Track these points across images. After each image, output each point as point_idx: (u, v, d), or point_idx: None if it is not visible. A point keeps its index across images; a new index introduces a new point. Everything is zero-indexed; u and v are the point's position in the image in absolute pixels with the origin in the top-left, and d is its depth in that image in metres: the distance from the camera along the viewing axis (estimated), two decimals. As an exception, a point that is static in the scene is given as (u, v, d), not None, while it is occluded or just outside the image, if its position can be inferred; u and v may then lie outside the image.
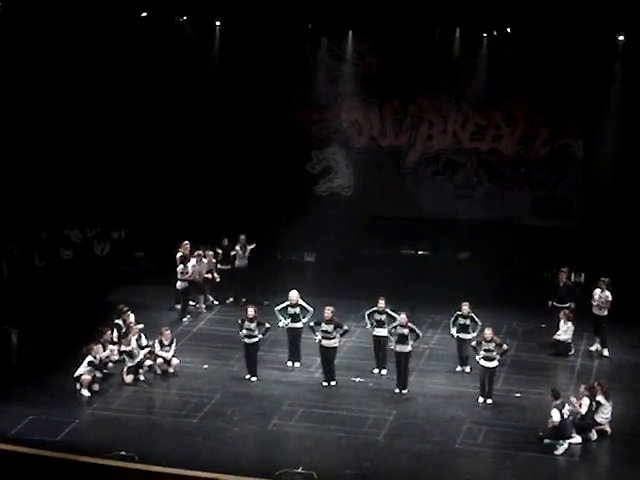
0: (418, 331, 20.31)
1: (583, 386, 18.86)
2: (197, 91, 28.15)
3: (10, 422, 18.28)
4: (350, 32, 27.89)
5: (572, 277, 25.15)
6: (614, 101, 26.49)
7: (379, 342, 21.09)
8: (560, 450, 17.86)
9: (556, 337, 22.20)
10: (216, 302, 25.10)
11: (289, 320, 21.29)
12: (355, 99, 28.75)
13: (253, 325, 20.56)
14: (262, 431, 18.53)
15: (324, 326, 20.46)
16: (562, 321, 22.16)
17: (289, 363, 21.42)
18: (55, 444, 17.32)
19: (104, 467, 15.68)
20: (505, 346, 19.91)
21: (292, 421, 18.91)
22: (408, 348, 20.13)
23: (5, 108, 26.21)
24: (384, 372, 20.97)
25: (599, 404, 18.50)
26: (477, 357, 19.81)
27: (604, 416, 18.52)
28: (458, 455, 17.87)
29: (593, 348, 22.37)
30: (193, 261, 24.31)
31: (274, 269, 26.85)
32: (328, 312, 20.56)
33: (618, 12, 24.41)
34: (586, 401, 18.46)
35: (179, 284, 24.03)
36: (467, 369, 20.98)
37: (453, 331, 21.05)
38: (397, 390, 20.19)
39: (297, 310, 21.34)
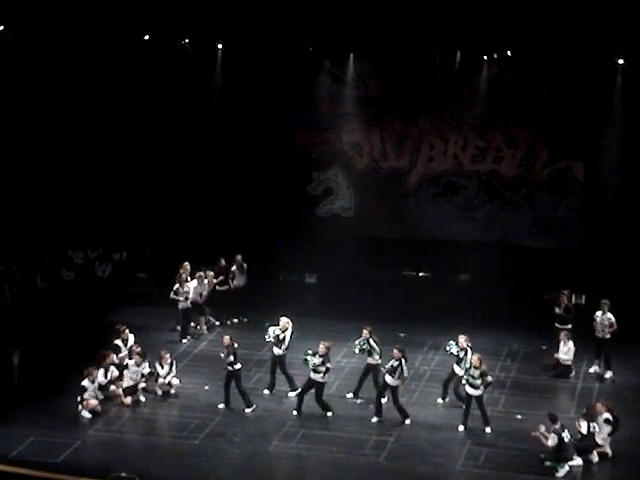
0: (405, 370, 19.92)
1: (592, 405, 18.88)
2: (199, 113, 28.30)
3: (11, 443, 18.31)
4: (352, 55, 28.06)
5: (572, 299, 25.22)
6: (614, 124, 26.63)
7: (368, 371, 20.93)
8: (561, 473, 17.86)
9: (558, 356, 22.18)
10: (217, 323, 25.13)
11: (273, 340, 21.22)
12: (356, 121, 28.87)
13: (229, 354, 20.37)
14: (263, 452, 18.54)
15: (316, 359, 20.07)
16: (562, 342, 22.18)
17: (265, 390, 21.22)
18: (56, 465, 17.35)
19: (105, 489, 15.70)
20: (489, 378, 19.58)
21: (293, 442, 18.92)
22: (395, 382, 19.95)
23: (9, 128, 26.33)
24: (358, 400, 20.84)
25: (608, 421, 18.46)
26: (462, 385, 19.68)
27: (603, 436, 18.49)
28: (459, 477, 17.92)
29: (592, 370, 22.39)
30: (194, 282, 24.36)
31: (275, 290, 26.89)
32: (322, 347, 20.23)
33: (618, 36, 24.55)
34: (584, 423, 18.45)
35: (180, 305, 24.07)
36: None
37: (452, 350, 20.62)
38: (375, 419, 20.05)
39: (281, 336, 21.22)
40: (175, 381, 20.89)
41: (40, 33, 25.68)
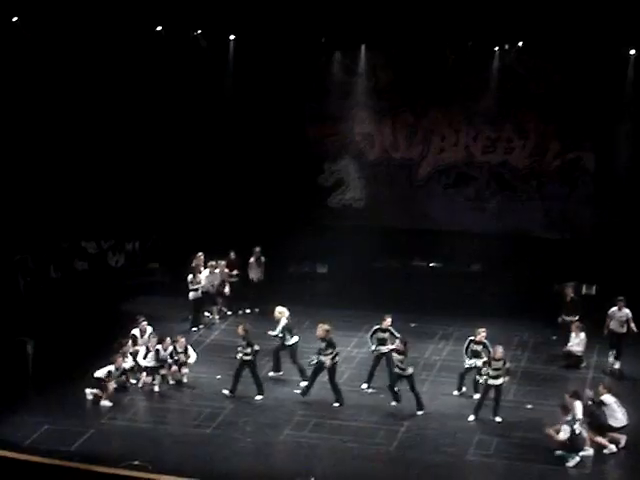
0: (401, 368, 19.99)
1: (566, 395, 18.71)
2: (211, 104, 28.37)
3: (25, 432, 18.46)
4: (363, 46, 28.09)
5: (583, 289, 25.31)
6: (625, 114, 26.62)
7: (379, 360, 21.08)
8: (572, 463, 17.91)
9: (568, 348, 22.27)
10: (229, 312, 25.27)
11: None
12: (368, 112, 28.90)
13: (243, 343, 20.52)
14: (274, 441, 18.68)
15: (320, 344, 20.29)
16: (574, 333, 22.25)
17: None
18: (70, 454, 17.49)
19: (118, 477, 15.84)
20: (508, 364, 19.77)
21: (304, 431, 19.04)
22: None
23: (24, 119, 26.49)
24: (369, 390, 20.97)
25: (603, 404, 18.50)
26: (483, 377, 19.62)
27: (618, 420, 18.48)
28: (469, 467, 17.98)
29: (611, 360, 22.31)
30: (206, 272, 24.51)
31: (286, 281, 27.01)
32: (320, 330, 20.37)
33: (629, 27, 24.54)
34: (578, 404, 18.32)
35: (191, 294, 24.23)
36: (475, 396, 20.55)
37: (467, 361, 20.54)
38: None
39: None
40: (184, 370, 21.01)
41: (54, 24, 25.83)
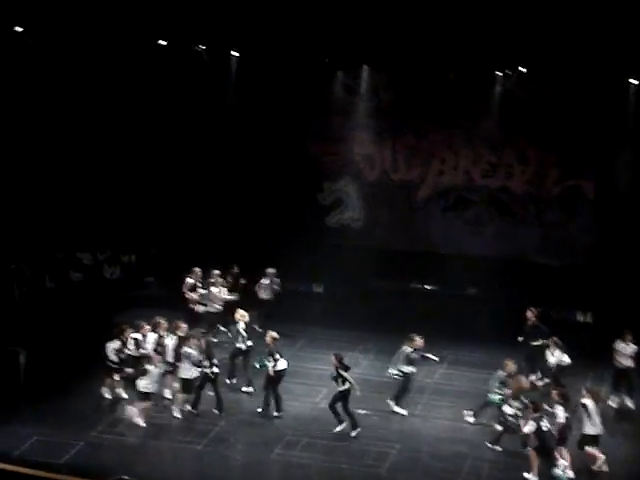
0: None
1: (554, 392, 18.70)
2: (212, 119, 28.40)
3: (15, 442, 18.34)
4: (366, 67, 28.15)
5: (578, 317, 25.24)
6: (626, 143, 26.67)
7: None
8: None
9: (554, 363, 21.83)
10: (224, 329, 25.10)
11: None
12: (368, 133, 28.92)
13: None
14: (265, 460, 18.57)
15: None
16: (550, 352, 21.89)
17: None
18: (59, 466, 17.38)
19: (107, 491, 15.75)
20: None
21: (295, 451, 18.94)
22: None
23: (22, 130, 26.49)
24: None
25: (585, 407, 18.34)
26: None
27: (595, 427, 18.30)
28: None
29: (611, 403, 21.60)
30: (215, 289, 24.35)
31: (281, 299, 26.90)
32: (268, 338, 20.46)
33: (631, 56, 24.59)
34: (560, 408, 18.29)
35: (201, 308, 24.09)
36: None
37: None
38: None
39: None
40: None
41: (57, 35, 25.86)
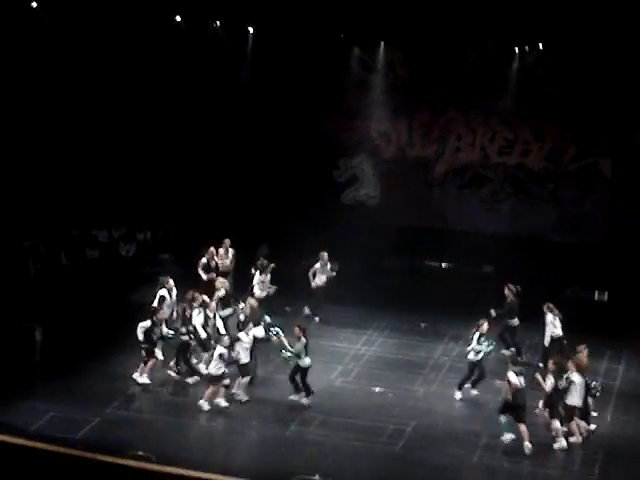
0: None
1: (551, 361, 18.73)
2: (227, 96, 28.32)
3: (31, 418, 18.40)
4: (382, 42, 27.99)
5: (595, 295, 25.01)
6: (643, 120, 26.48)
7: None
8: (505, 437, 18.02)
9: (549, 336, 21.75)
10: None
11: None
12: (384, 109, 28.79)
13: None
14: (280, 436, 18.57)
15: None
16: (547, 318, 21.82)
17: None
18: (75, 442, 17.40)
19: (121, 466, 15.74)
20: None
21: (310, 428, 18.94)
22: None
23: (38, 109, 26.48)
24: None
25: (570, 381, 18.32)
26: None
27: (575, 399, 18.30)
28: (475, 469, 17.87)
29: None
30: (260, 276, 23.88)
31: (297, 276, 26.81)
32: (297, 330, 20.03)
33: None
34: (551, 379, 18.32)
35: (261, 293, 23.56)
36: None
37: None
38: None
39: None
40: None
41: (73, 13, 25.82)
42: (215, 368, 19.18)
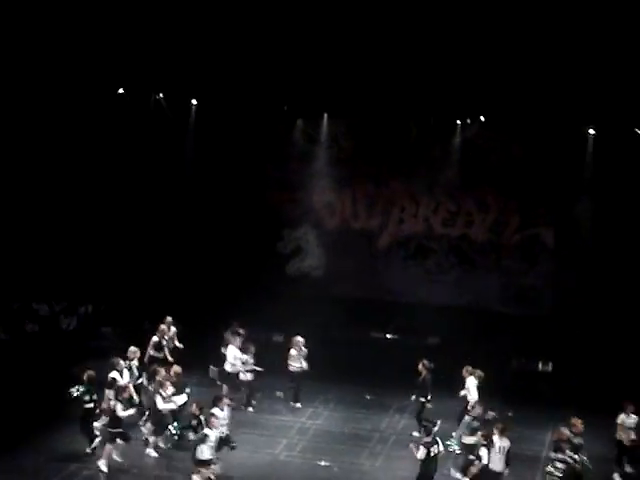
0: None
1: (479, 433, 18.73)
2: (171, 168, 28.26)
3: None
4: (325, 115, 28.19)
5: (539, 366, 25.02)
6: (585, 192, 26.84)
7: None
8: None
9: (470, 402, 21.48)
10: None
11: None
12: (328, 181, 28.91)
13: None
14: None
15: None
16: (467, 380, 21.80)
17: None
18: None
19: None
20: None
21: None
22: None
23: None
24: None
25: (491, 443, 18.35)
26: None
27: (497, 462, 18.27)
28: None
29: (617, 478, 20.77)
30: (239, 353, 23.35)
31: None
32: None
33: (588, 106, 24.83)
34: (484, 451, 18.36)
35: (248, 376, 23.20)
36: None
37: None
38: None
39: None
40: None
41: (15, 80, 25.68)
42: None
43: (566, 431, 18.89)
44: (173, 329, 24.19)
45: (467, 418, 20.10)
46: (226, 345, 23.57)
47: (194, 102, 28.01)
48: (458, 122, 27.31)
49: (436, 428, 18.72)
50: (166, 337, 23.82)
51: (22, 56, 25.29)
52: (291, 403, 23.56)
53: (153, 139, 27.88)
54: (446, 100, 25.89)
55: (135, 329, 25.36)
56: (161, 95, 27.67)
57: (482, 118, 26.88)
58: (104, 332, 27.67)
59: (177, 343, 23.99)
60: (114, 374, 21.11)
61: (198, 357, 24.55)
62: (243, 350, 23.28)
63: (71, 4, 25.25)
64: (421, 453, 18.08)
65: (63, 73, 25.87)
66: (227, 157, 28.12)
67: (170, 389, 20.33)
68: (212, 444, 18.21)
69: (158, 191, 28.27)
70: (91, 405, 19.98)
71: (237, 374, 23.15)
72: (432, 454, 18.15)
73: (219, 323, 25.51)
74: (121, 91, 27.12)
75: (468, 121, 27.22)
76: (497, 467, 18.42)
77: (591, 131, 26.28)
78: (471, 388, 21.62)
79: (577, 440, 18.81)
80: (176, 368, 21.22)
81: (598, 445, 21.40)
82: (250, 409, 23.08)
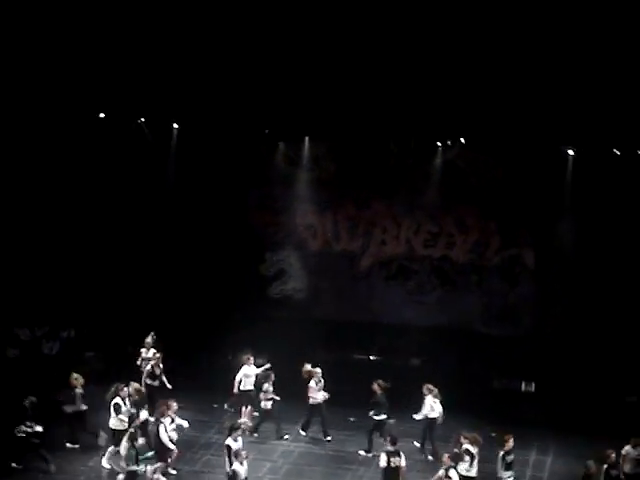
0: None
1: (446, 455, 18.78)
2: (153, 191, 28.28)
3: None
4: (307, 138, 28.28)
5: (522, 386, 25.03)
6: (565, 212, 26.96)
7: None
8: None
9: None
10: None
11: None
12: (310, 203, 28.97)
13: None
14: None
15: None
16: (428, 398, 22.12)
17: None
18: None
19: None
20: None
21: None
22: None
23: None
24: None
25: (469, 453, 18.74)
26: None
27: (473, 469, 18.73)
28: None
29: None
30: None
31: (224, 370, 26.52)
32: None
33: (567, 127, 25.01)
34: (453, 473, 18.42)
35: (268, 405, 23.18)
36: None
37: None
38: None
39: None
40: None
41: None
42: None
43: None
44: (152, 351, 24.21)
45: (500, 453, 19.42)
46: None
47: (175, 126, 28.06)
48: (439, 144, 27.44)
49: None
50: (160, 365, 23.64)
51: (2, 80, 25.30)
52: (300, 430, 23.42)
53: (134, 163, 27.91)
54: (427, 122, 26.04)
55: (118, 353, 25.25)
56: (142, 119, 27.71)
57: (462, 140, 27.02)
58: (87, 357, 27.56)
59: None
60: (118, 400, 21.02)
61: (182, 381, 24.57)
62: (264, 379, 23.31)
63: (53, 28, 25.29)
64: (382, 461, 18.46)
65: (43, 97, 25.88)
66: (209, 180, 28.17)
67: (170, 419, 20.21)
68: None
69: (140, 215, 28.26)
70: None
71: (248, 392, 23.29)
72: (393, 465, 18.45)
73: (202, 346, 25.52)
74: (102, 115, 27.14)
75: (449, 143, 27.35)
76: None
77: (570, 152, 26.44)
78: (432, 405, 22.04)
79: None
80: (135, 385, 21.28)
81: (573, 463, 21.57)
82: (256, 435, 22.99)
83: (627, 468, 20.10)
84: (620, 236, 26.32)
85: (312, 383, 23.51)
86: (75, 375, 21.72)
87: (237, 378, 23.58)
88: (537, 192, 27.12)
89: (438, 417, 22.06)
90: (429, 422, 22.11)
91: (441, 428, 22.26)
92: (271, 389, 23.21)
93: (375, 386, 22.45)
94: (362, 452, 22.27)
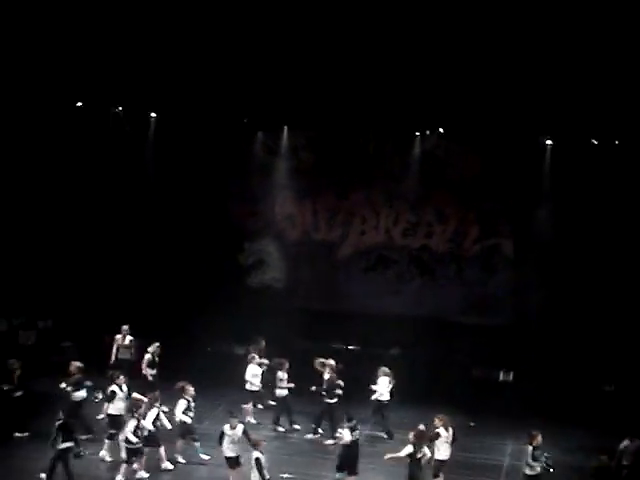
0: None
1: (412, 433, 18.82)
2: (132, 181, 28.18)
3: None
4: (285, 127, 28.23)
5: (500, 376, 25.13)
6: (543, 202, 27.04)
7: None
8: None
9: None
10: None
11: None
12: (289, 193, 28.95)
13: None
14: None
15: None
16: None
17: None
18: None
19: None
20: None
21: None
22: None
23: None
24: None
25: (438, 435, 18.96)
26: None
27: (441, 453, 18.94)
28: None
29: None
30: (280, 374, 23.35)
31: (203, 360, 26.50)
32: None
33: (545, 117, 25.08)
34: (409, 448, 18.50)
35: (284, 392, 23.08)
36: None
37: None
38: None
39: None
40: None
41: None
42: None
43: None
44: (128, 338, 24.23)
45: (529, 448, 19.13)
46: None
47: (153, 115, 27.95)
48: (417, 134, 27.46)
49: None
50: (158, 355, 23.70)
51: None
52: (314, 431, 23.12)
53: (112, 153, 27.79)
54: (405, 112, 26.04)
55: (96, 343, 25.15)
56: (120, 108, 27.59)
57: (441, 130, 27.03)
58: (64, 347, 27.44)
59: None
60: (114, 387, 21.07)
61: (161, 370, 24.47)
62: (279, 366, 23.24)
63: (30, 18, 25.14)
64: (346, 435, 19.04)
65: (20, 86, 25.72)
66: (187, 170, 28.09)
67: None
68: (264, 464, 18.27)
69: (118, 205, 28.18)
70: None
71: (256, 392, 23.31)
72: (355, 438, 19.12)
73: (180, 336, 25.46)
74: (79, 104, 27.00)
75: (427, 133, 27.37)
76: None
77: (548, 142, 26.52)
78: (382, 386, 22.45)
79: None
80: (76, 362, 21.43)
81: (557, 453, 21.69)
82: (280, 428, 22.94)
83: (627, 461, 20.15)
84: (598, 225, 26.43)
85: (326, 375, 23.01)
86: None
87: (247, 377, 23.40)
88: (515, 182, 27.20)
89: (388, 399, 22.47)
90: (380, 404, 22.46)
91: (416, 414, 22.27)
92: (286, 376, 23.15)
93: (319, 366, 22.60)
94: (309, 435, 22.40)
